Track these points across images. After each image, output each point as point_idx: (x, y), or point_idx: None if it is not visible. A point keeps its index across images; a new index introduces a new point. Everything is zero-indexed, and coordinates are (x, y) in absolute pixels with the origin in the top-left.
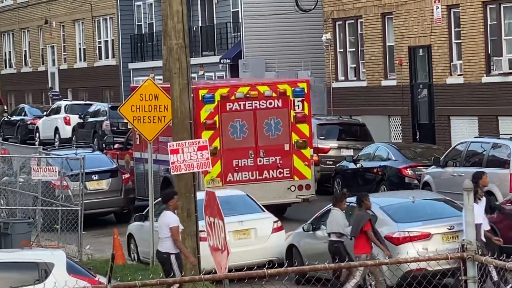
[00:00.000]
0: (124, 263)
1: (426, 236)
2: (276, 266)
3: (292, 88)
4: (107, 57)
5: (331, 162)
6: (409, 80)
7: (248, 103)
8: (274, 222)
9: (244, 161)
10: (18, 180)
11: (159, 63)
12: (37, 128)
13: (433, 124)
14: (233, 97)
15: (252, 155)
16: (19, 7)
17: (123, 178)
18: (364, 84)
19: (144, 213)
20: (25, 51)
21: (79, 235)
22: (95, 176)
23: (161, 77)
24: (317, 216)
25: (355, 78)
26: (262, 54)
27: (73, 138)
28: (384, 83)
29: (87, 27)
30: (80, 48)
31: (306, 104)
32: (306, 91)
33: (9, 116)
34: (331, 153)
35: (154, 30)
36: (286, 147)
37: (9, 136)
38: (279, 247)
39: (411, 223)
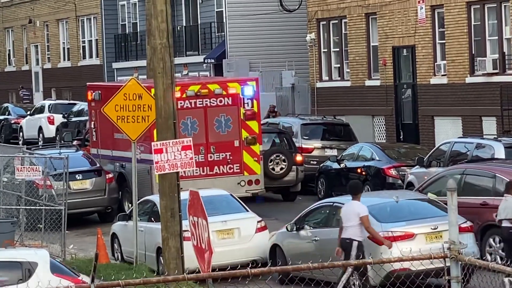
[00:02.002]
0: (107, 262)
1: (410, 236)
2: (259, 265)
3: (242, 86)
4: (91, 56)
5: (315, 162)
6: (393, 80)
7: (199, 101)
8: (258, 221)
9: (195, 157)
10: (2, 179)
11: (143, 63)
12: (21, 127)
13: (417, 124)
14: (184, 95)
15: (203, 151)
16: (3, 6)
17: (107, 177)
18: (348, 84)
19: (127, 212)
20: (9, 50)
21: (62, 234)
22: (78, 176)
23: (145, 76)
24: (301, 216)
25: (339, 78)
26: (246, 54)
27: (57, 138)
28: (368, 83)
29: (71, 26)
30: (64, 48)
31: (255, 102)
32: (255, 89)
33: None
34: (315, 153)
35: (138, 30)
36: (236, 143)
37: None
38: (263, 247)
39: (395, 223)
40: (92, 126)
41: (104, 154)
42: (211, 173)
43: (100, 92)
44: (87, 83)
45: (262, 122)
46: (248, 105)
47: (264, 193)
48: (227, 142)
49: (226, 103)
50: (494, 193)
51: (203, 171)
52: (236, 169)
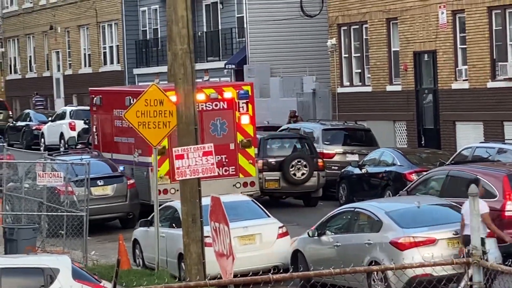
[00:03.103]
0: (129, 268)
1: (432, 242)
2: (281, 271)
3: (237, 91)
4: (112, 62)
5: (336, 168)
6: (414, 85)
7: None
8: (279, 227)
9: None
10: (24, 185)
11: (164, 69)
12: (42, 133)
13: (438, 129)
14: None
15: None
16: (24, 13)
17: (128, 183)
18: (369, 89)
19: (149, 218)
20: (30, 56)
21: (84, 240)
22: (100, 182)
23: (166, 82)
24: (322, 221)
25: (360, 84)
26: (267, 60)
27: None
28: (389, 88)
29: (92, 32)
30: (85, 54)
31: (250, 106)
32: (250, 93)
33: (14, 122)
34: (336, 158)
35: (159, 36)
36: (232, 146)
37: (14, 141)
38: (284, 253)
39: (417, 229)
40: (94, 130)
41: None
42: (204, 176)
43: (101, 96)
44: (89, 88)
45: (283, 128)
46: (243, 109)
47: (259, 194)
48: (222, 145)
49: (221, 107)
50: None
51: None
52: (232, 171)
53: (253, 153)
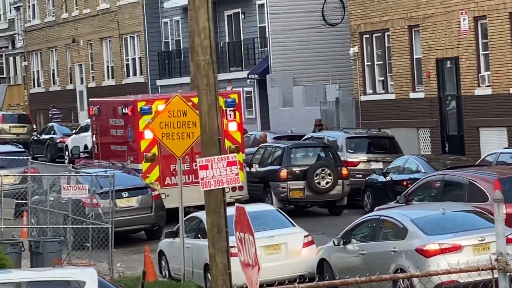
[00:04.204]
0: (155, 280)
1: (457, 248)
2: (307, 280)
3: (224, 99)
4: (135, 74)
5: (360, 176)
6: (437, 92)
7: None
8: (305, 236)
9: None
10: (48, 198)
11: (187, 80)
12: (66, 146)
13: (462, 135)
14: None
15: (188, 160)
16: (47, 26)
17: (153, 195)
18: (392, 96)
19: (174, 229)
20: (53, 70)
21: (110, 252)
22: (125, 194)
23: None
24: (348, 230)
25: (383, 91)
26: (290, 69)
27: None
28: (412, 95)
29: (115, 45)
30: (108, 66)
31: (237, 113)
32: (237, 101)
33: (38, 135)
34: (360, 166)
35: (181, 47)
36: (216, 152)
37: (39, 155)
38: (310, 262)
39: (442, 235)
40: (94, 139)
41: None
42: (196, 180)
43: (99, 107)
44: (89, 99)
45: (307, 137)
46: (230, 116)
47: (247, 198)
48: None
49: None
50: (469, 199)
51: (189, 179)
52: None
53: (241, 158)
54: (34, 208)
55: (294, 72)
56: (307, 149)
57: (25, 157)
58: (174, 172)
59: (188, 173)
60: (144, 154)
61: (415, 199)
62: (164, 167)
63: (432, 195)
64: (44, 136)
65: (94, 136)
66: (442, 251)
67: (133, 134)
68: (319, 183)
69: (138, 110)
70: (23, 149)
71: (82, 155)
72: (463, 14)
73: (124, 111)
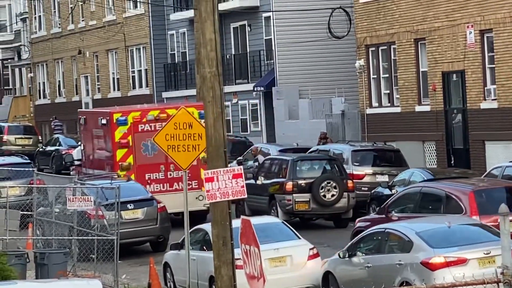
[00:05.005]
0: None
1: (463, 261)
2: None
3: (198, 111)
4: (140, 86)
5: (366, 188)
6: (443, 105)
7: (158, 124)
8: (310, 249)
9: (156, 174)
10: (54, 210)
11: (193, 92)
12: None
13: (468, 149)
14: (144, 120)
15: (163, 169)
16: (53, 38)
17: (158, 207)
18: (398, 110)
19: (179, 241)
20: (59, 81)
21: (115, 264)
22: (130, 205)
23: None
24: (353, 242)
25: (389, 104)
26: (296, 81)
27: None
28: (418, 108)
29: (121, 56)
30: (113, 78)
31: None
32: None
33: (43, 147)
34: (366, 179)
35: (187, 59)
36: (194, 162)
37: (44, 166)
38: (315, 274)
39: (448, 248)
40: (82, 148)
41: (89, 173)
42: (171, 189)
43: (85, 117)
44: (78, 110)
45: (312, 149)
46: None
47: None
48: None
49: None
50: (445, 211)
51: (164, 187)
52: (195, 185)
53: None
54: (39, 220)
55: (300, 85)
56: (313, 161)
57: (31, 169)
58: (149, 181)
59: (163, 181)
60: (120, 163)
61: (395, 210)
62: (139, 176)
63: (410, 207)
64: (49, 148)
65: (82, 145)
66: (448, 264)
67: (110, 144)
68: (324, 195)
69: (114, 121)
70: (29, 161)
71: (76, 163)
72: (469, 28)
73: (102, 121)
